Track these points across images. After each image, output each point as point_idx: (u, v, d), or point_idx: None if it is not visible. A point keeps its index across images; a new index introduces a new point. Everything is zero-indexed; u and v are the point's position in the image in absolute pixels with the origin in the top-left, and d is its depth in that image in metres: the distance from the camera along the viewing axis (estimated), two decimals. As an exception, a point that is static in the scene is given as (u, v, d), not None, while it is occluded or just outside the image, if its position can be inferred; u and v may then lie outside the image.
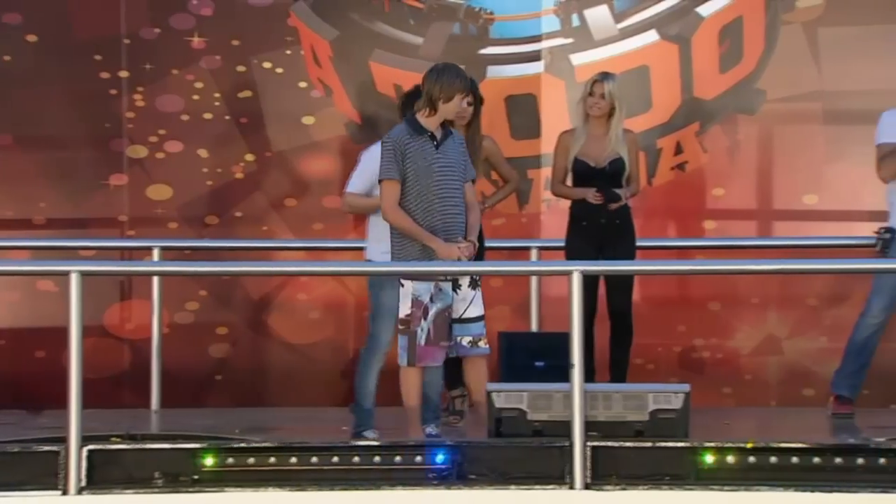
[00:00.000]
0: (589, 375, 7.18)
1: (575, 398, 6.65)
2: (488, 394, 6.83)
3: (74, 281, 6.68)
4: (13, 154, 9.27)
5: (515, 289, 8.79)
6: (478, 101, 7.81)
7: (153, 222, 9.26)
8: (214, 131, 9.32)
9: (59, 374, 6.77)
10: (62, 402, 6.69)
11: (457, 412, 7.90)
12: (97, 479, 6.65)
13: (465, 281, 7.01)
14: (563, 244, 8.15)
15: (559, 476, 6.64)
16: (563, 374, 6.72)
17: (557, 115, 9.15)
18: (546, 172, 9.09)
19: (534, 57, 9.27)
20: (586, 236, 7.95)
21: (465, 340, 7.01)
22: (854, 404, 8.02)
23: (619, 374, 7.95)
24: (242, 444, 6.81)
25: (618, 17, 9.25)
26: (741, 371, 9.16)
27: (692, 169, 9.28)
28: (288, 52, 9.32)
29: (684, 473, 6.63)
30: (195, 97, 9.31)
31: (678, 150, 9.27)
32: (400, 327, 7.00)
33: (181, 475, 6.67)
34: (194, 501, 6.62)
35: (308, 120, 9.32)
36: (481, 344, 7.02)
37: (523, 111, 9.20)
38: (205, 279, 9.14)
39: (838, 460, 6.60)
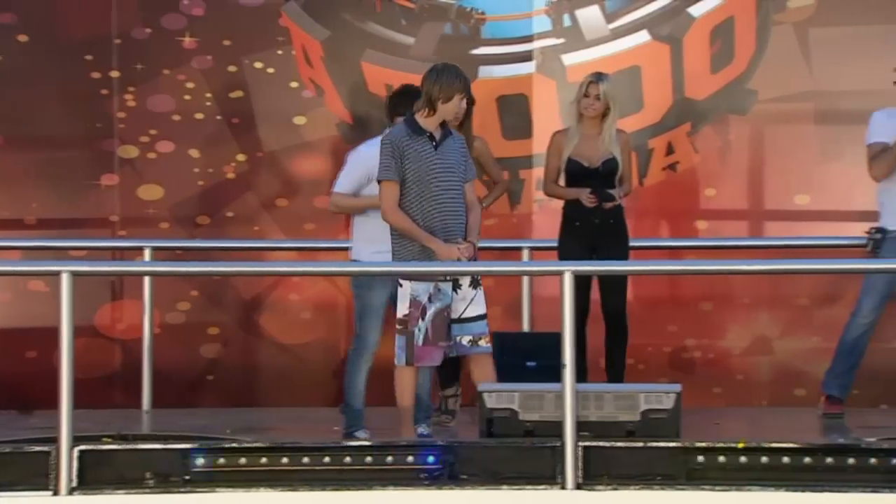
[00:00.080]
0: (581, 375, 7.18)
1: (566, 398, 6.65)
2: (480, 394, 6.83)
3: (65, 281, 6.68)
4: (4, 154, 9.26)
5: (507, 289, 8.79)
6: (469, 102, 7.81)
7: (144, 222, 9.25)
8: (206, 131, 9.31)
9: (51, 374, 6.77)
10: (53, 403, 6.68)
11: (448, 412, 7.90)
12: (88, 479, 6.64)
13: (465, 280, 7.01)
14: (554, 244, 8.15)
15: (551, 476, 6.65)
16: (555, 375, 6.72)
17: (549, 115, 9.15)
18: (538, 173, 9.09)
19: (525, 57, 9.28)
20: (580, 237, 7.95)
21: (465, 339, 7.02)
22: (844, 404, 8.04)
23: (616, 375, 7.95)
24: (234, 445, 6.81)
25: (609, 18, 9.25)
26: (732, 371, 9.17)
27: (684, 169, 9.29)
28: (279, 52, 9.31)
29: (675, 473, 6.64)
30: (186, 97, 9.30)
31: (670, 150, 9.27)
32: (398, 327, 7.00)
33: (172, 475, 6.66)
34: (186, 502, 6.62)
35: (299, 120, 9.32)
36: (482, 343, 7.02)
37: (515, 111, 9.21)
38: (196, 279, 9.14)
39: (829, 460, 6.61)
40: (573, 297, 6.71)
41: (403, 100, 7.50)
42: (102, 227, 9.25)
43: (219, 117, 9.32)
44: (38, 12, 9.29)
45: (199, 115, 9.31)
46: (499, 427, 6.79)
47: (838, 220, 9.02)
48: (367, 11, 9.31)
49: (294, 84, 9.32)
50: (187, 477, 6.66)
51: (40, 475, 6.62)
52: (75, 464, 6.63)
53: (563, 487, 6.62)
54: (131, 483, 6.64)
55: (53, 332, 6.68)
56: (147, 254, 8.67)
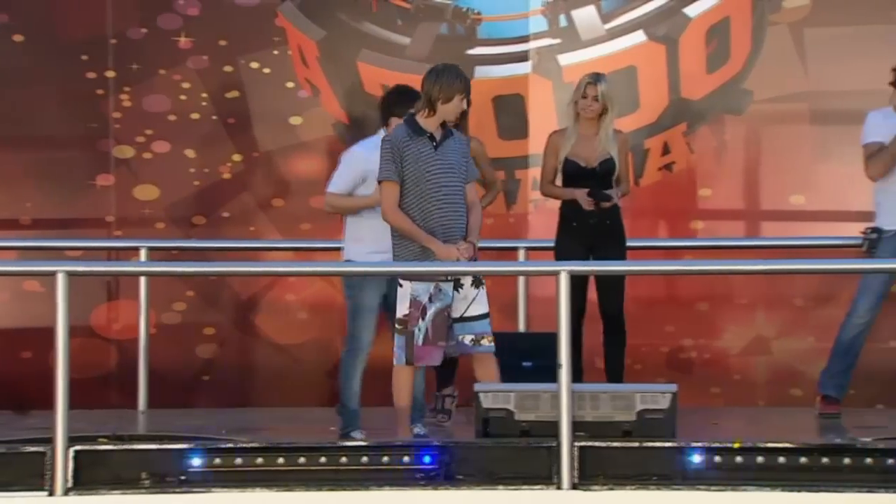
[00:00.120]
0: (577, 376, 7.18)
1: (562, 398, 6.65)
2: (476, 394, 6.83)
3: (61, 281, 6.67)
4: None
5: (503, 289, 8.78)
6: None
7: (140, 222, 9.25)
8: (201, 131, 9.31)
9: (46, 374, 6.76)
10: (49, 403, 6.67)
11: (445, 411, 7.90)
12: (84, 479, 6.63)
13: (467, 280, 7.01)
14: (550, 244, 8.15)
15: (547, 476, 6.65)
16: (551, 375, 6.72)
17: (545, 115, 9.15)
18: (534, 173, 9.09)
19: (521, 57, 9.28)
20: (576, 237, 7.94)
21: (468, 339, 7.02)
22: (841, 404, 8.04)
23: (615, 376, 7.93)
24: (230, 445, 6.80)
25: (605, 18, 9.25)
26: (729, 371, 9.17)
27: (679, 169, 9.29)
28: (275, 52, 9.31)
29: (671, 473, 6.64)
30: (182, 97, 9.30)
31: (665, 150, 9.28)
32: (397, 327, 7.01)
33: (168, 476, 6.66)
34: (181, 502, 6.61)
35: (295, 120, 9.32)
36: (484, 342, 7.01)
37: (511, 111, 9.21)
38: (192, 279, 9.13)
39: (825, 460, 6.61)
40: (569, 297, 6.71)
41: (398, 100, 7.50)
42: (98, 228, 9.24)
43: (215, 117, 9.32)
44: (34, 12, 9.28)
45: (195, 116, 9.31)
46: (495, 427, 6.79)
47: (834, 220, 9.02)
48: (363, 11, 9.31)
49: (290, 84, 9.32)
50: (183, 477, 6.66)
51: (36, 475, 6.62)
52: (71, 464, 6.62)
53: (559, 487, 6.62)
54: (127, 483, 6.64)
55: (49, 333, 6.68)
56: (143, 254, 8.67)
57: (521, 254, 8.70)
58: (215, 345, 9.26)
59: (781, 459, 6.62)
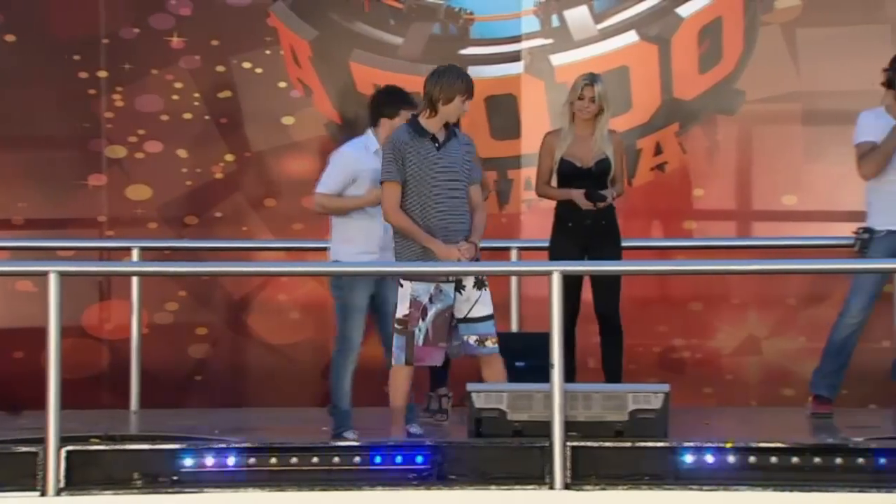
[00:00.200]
0: (569, 376, 7.18)
1: (555, 398, 6.66)
2: (468, 394, 6.83)
3: (53, 281, 6.66)
4: (-8, 154, 9.26)
5: (495, 289, 8.74)
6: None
7: (132, 222, 9.24)
8: (194, 131, 9.30)
9: (38, 374, 6.75)
10: (41, 403, 6.67)
11: (442, 411, 7.92)
12: (76, 479, 6.63)
13: (469, 282, 7.02)
14: (543, 244, 8.15)
15: (539, 476, 6.65)
16: (544, 375, 6.72)
17: (537, 115, 9.15)
18: (526, 173, 9.09)
19: (514, 57, 9.28)
20: (572, 237, 7.93)
21: (472, 339, 7.03)
22: (833, 404, 8.05)
23: (613, 377, 7.91)
24: (222, 445, 6.80)
25: (597, 18, 9.26)
26: (721, 371, 9.17)
27: (672, 169, 9.30)
28: (267, 52, 9.30)
29: (664, 473, 6.64)
30: (174, 97, 9.29)
31: (658, 150, 9.28)
32: (397, 327, 7.01)
33: (160, 476, 6.65)
34: (173, 502, 6.60)
35: (288, 120, 9.32)
36: (488, 343, 7.02)
37: (503, 111, 9.21)
38: (184, 279, 9.13)
39: (817, 460, 6.62)
40: (561, 297, 6.71)
41: (386, 101, 7.50)
42: (90, 228, 9.24)
43: (207, 117, 9.31)
44: (26, 12, 9.27)
45: (188, 115, 9.30)
46: (487, 427, 6.79)
47: (826, 220, 9.03)
48: (355, 11, 9.31)
49: (282, 84, 9.31)
50: (175, 477, 6.65)
51: (28, 476, 6.61)
52: (63, 464, 6.61)
53: (552, 487, 6.62)
54: (119, 483, 6.63)
55: (41, 333, 6.67)
56: (135, 254, 8.66)
57: (514, 254, 8.70)
58: (207, 345, 9.25)
59: (773, 459, 6.63)
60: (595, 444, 6.67)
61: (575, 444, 6.65)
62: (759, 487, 6.57)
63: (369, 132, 7.53)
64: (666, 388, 6.81)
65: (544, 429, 6.67)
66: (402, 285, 7.00)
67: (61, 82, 9.25)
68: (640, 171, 9.24)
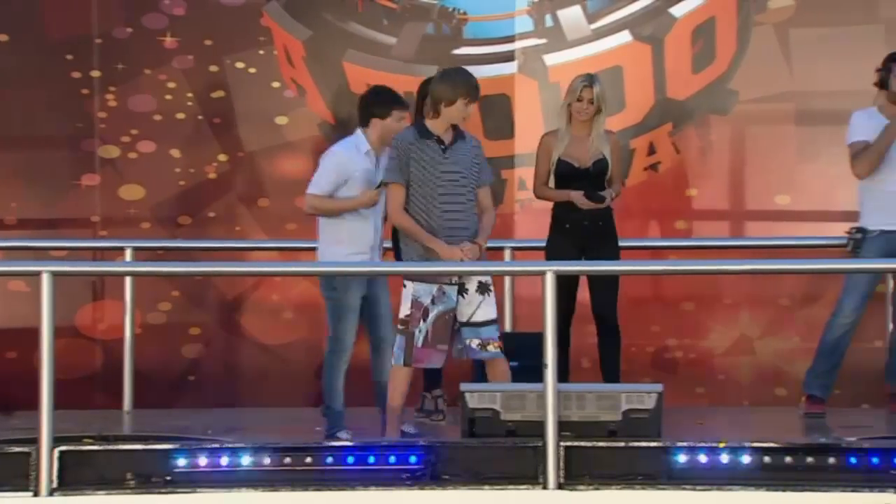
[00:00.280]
0: (563, 376, 7.18)
1: (548, 398, 6.66)
2: (461, 394, 6.83)
3: (46, 281, 6.66)
4: (-16, 154, 9.25)
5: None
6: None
7: (125, 222, 9.23)
8: (187, 131, 9.30)
9: (31, 374, 6.75)
10: (34, 403, 6.66)
11: (439, 411, 7.94)
12: (69, 480, 6.62)
13: (472, 285, 7.02)
14: (536, 244, 8.14)
15: (532, 476, 6.65)
16: (537, 374, 6.72)
17: (531, 115, 9.16)
18: (520, 173, 9.10)
19: (507, 57, 9.28)
20: (569, 238, 7.93)
21: (475, 343, 7.04)
22: (826, 404, 8.05)
23: (612, 377, 7.91)
24: (215, 445, 6.79)
25: (591, 18, 9.26)
26: (714, 371, 9.18)
27: (665, 169, 9.30)
28: (261, 51, 9.30)
29: (657, 473, 6.65)
30: (168, 97, 9.28)
31: (651, 150, 9.29)
32: (399, 327, 7.02)
33: (153, 476, 6.65)
34: (167, 502, 6.60)
35: (281, 120, 9.31)
36: (490, 347, 7.02)
37: (497, 111, 9.21)
38: (177, 279, 9.12)
39: (810, 460, 6.62)
40: (555, 296, 6.72)
41: (376, 101, 7.49)
42: (83, 227, 9.23)
43: (200, 117, 9.31)
44: (19, 12, 9.26)
45: (181, 115, 9.30)
46: (481, 427, 6.79)
47: (819, 220, 9.04)
48: (348, 11, 9.30)
49: (276, 84, 9.31)
50: (168, 477, 6.65)
51: (21, 476, 6.60)
52: (56, 464, 6.61)
53: (545, 487, 6.62)
54: (112, 484, 6.63)
55: (34, 333, 6.66)
56: (128, 254, 8.65)
57: (507, 254, 8.70)
58: (201, 345, 9.24)
59: (766, 459, 6.63)
60: (588, 444, 6.67)
61: (568, 443, 6.65)
62: (752, 487, 6.58)
63: (359, 132, 7.51)
64: (659, 387, 6.82)
65: (538, 429, 6.67)
66: (405, 286, 7.01)
67: (54, 82, 9.24)
68: (634, 170, 9.25)
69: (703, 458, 6.66)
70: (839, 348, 8.01)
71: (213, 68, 9.28)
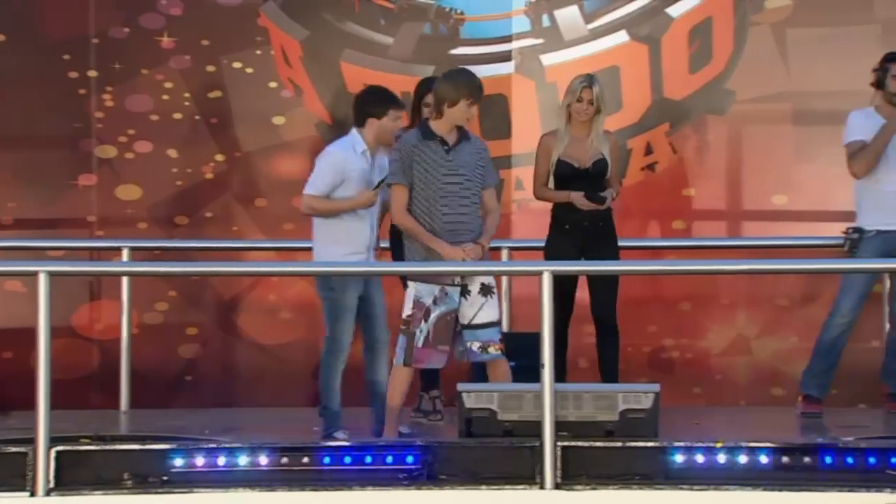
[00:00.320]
0: (560, 376, 7.18)
1: (545, 398, 6.66)
2: (459, 394, 6.83)
3: (43, 281, 6.66)
4: (-19, 154, 9.25)
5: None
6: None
7: (122, 222, 9.23)
8: (184, 131, 9.30)
9: (28, 375, 6.74)
10: (30, 403, 6.66)
11: (437, 411, 7.94)
12: (66, 480, 6.62)
13: (474, 287, 7.02)
14: (534, 244, 8.14)
15: (529, 476, 6.65)
16: (535, 374, 6.72)
17: (528, 115, 9.16)
18: (517, 173, 9.10)
19: (504, 57, 9.28)
20: (569, 238, 7.92)
21: (475, 346, 7.05)
22: (823, 404, 8.06)
23: (610, 377, 7.90)
24: (212, 445, 6.79)
25: (588, 18, 9.26)
26: (711, 371, 9.18)
27: (662, 169, 9.30)
28: (258, 52, 9.30)
29: (654, 473, 6.65)
30: (165, 97, 9.28)
31: (648, 150, 9.29)
32: (401, 327, 7.03)
33: (150, 476, 6.65)
34: (164, 502, 6.60)
35: (278, 120, 9.31)
36: (491, 349, 7.03)
37: (494, 111, 9.20)
38: (174, 280, 9.12)
39: (807, 459, 6.63)
40: (552, 296, 6.71)
41: (371, 100, 7.48)
42: (80, 228, 9.23)
43: (197, 117, 9.30)
44: (16, 11, 9.26)
45: (178, 115, 9.30)
46: (478, 427, 6.79)
47: (816, 220, 9.04)
48: (345, 11, 9.30)
49: (273, 84, 9.31)
50: (165, 477, 6.65)
51: (17, 476, 6.60)
52: (52, 465, 6.61)
53: (542, 487, 6.62)
54: (109, 484, 6.62)
55: (31, 333, 6.66)
56: (125, 254, 8.65)
57: (505, 254, 8.70)
58: (198, 345, 9.24)
59: (763, 459, 6.64)
60: (585, 444, 6.67)
61: (565, 443, 6.65)
62: (749, 487, 6.58)
63: (355, 132, 7.50)
64: (656, 387, 6.82)
65: (535, 429, 6.67)
66: (407, 286, 7.02)
67: (51, 82, 9.24)
68: (631, 170, 9.25)
69: (699, 458, 6.66)
70: (836, 348, 8.02)
71: (210, 68, 9.28)
